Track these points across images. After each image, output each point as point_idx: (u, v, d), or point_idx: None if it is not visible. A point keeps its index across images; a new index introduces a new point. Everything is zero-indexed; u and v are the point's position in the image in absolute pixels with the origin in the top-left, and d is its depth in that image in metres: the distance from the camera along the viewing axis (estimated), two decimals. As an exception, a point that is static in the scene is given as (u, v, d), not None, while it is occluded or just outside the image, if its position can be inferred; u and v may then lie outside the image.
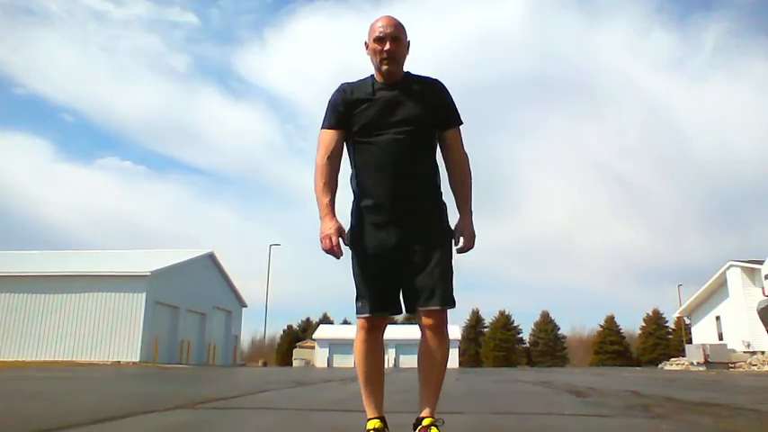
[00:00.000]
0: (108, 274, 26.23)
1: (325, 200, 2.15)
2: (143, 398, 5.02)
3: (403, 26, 2.23)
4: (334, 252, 2.09)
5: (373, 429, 2.07)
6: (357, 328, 2.18)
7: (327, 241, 2.08)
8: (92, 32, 72.10)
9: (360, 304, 2.15)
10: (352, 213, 2.24)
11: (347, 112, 2.19)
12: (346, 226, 2.19)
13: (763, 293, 14.74)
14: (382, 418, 2.11)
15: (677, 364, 26.01)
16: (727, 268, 27.05)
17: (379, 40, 2.16)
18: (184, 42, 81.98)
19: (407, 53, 2.25)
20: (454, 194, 2.28)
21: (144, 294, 25.84)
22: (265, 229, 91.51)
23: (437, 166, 2.27)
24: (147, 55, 76.61)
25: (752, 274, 24.52)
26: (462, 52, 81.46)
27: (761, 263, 17.19)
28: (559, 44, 77.97)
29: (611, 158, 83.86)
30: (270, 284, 34.95)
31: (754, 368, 20.57)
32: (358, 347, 2.17)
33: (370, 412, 2.14)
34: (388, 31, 2.17)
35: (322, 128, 2.24)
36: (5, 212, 74.24)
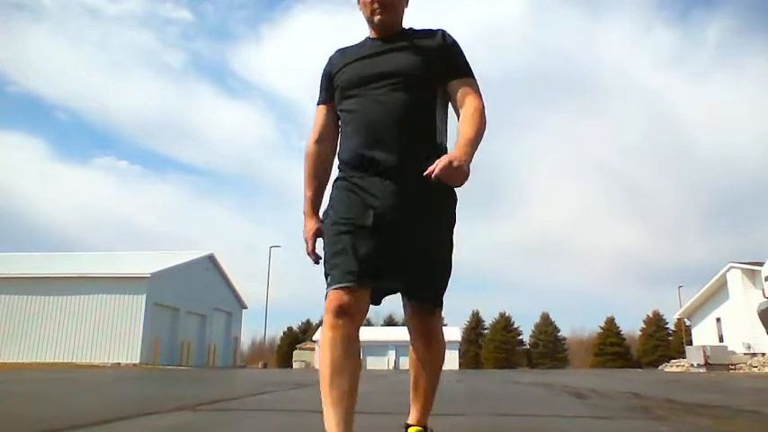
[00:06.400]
0: (108, 276, 26.20)
1: (309, 193, 1.90)
2: (144, 400, 5.01)
3: None
4: (311, 257, 1.86)
5: None
6: (324, 313, 1.64)
7: (306, 245, 1.88)
8: (85, 28, 71.90)
9: (329, 278, 1.66)
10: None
11: (333, 78, 1.88)
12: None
13: (764, 295, 14.69)
14: None
15: (677, 366, 26.01)
16: (728, 270, 27.03)
17: None
18: (179, 39, 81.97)
19: (406, 5, 1.89)
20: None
21: (144, 296, 25.80)
22: (265, 230, 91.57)
23: (436, 133, 1.80)
24: (142, 52, 76.43)
25: (752, 275, 24.49)
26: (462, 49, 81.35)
27: (761, 264, 17.13)
28: (560, 41, 78.19)
29: (611, 157, 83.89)
30: (270, 286, 34.91)
31: (755, 370, 20.55)
32: (323, 340, 1.63)
33: None
34: None
35: (317, 105, 1.95)
36: (1, 213, 74.19)
